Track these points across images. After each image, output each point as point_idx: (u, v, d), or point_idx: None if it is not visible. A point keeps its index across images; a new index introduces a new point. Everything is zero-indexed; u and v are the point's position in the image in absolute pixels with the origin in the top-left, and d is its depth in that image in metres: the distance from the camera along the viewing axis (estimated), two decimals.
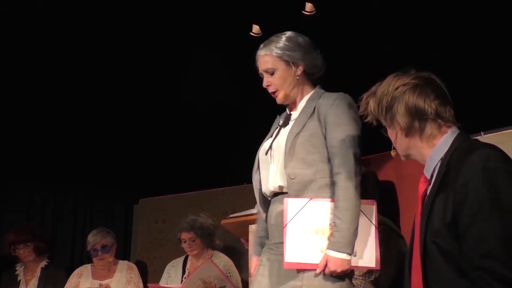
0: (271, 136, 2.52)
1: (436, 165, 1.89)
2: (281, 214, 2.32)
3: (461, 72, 3.55)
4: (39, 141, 4.89)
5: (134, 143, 5.16)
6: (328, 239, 2.24)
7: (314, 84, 2.53)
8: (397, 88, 1.92)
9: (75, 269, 4.25)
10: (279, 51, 2.44)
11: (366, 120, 2.01)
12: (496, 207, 1.66)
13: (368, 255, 2.32)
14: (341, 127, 2.31)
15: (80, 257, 4.94)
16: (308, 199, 2.28)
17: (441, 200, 1.78)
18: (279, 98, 2.45)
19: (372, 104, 1.95)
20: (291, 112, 2.50)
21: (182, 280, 3.85)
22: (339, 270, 2.19)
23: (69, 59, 4.56)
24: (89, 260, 4.25)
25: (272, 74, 2.44)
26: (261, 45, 2.51)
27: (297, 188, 2.30)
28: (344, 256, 2.19)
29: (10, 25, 4.17)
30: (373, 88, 1.99)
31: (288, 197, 2.31)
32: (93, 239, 4.07)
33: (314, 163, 2.31)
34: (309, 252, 2.24)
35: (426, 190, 1.92)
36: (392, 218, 3.20)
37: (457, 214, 1.71)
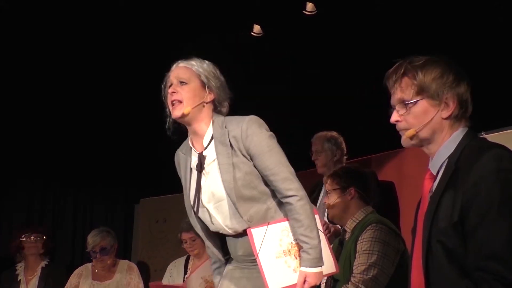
0: (189, 182, 2.43)
1: (444, 162, 1.87)
2: (242, 248, 2.37)
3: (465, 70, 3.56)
4: (39, 142, 4.91)
5: (135, 143, 5.16)
6: (295, 257, 2.32)
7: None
8: (455, 70, 1.90)
9: (75, 268, 4.23)
10: (200, 69, 2.39)
11: (390, 86, 1.92)
12: (507, 208, 1.65)
13: (329, 262, 2.43)
14: (267, 154, 2.29)
15: (81, 256, 4.95)
16: (266, 226, 2.31)
17: (448, 199, 1.76)
18: (179, 111, 2.32)
19: (422, 74, 1.86)
20: (201, 152, 2.39)
21: (183, 279, 3.85)
22: (318, 282, 2.29)
23: (70, 61, 4.57)
24: (90, 260, 4.23)
25: (183, 84, 2.35)
26: (181, 60, 2.44)
27: (258, 223, 2.32)
28: (319, 269, 2.28)
29: (12, 28, 4.17)
30: (415, 61, 1.89)
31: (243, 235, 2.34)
32: (93, 240, 4.04)
33: (260, 195, 2.33)
34: (284, 275, 2.31)
35: (431, 186, 1.89)
36: (392, 218, 3.20)
37: (465, 213, 1.69)
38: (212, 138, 2.37)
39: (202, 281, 3.56)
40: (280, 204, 2.34)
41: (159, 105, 5.01)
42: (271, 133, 2.35)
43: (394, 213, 3.33)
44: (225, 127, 2.35)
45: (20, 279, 4.16)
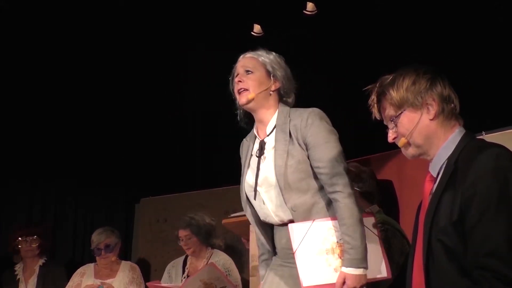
0: (248, 167, 2.48)
1: (443, 163, 1.89)
2: (287, 240, 2.34)
3: (463, 71, 3.56)
4: (41, 141, 4.93)
5: (136, 143, 5.19)
6: (339, 257, 2.27)
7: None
8: (426, 73, 1.92)
9: (76, 267, 4.26)
10: (266, 59, 2.45)
11: (370, 110, 2.00)
12: (505, 206, 1.66)
13: (378, 266, 2.37)
14: (322, 146, 2.30)
15: (82, 256, 4.95)
16: (311, 222, 2.29)
17: (448, 198, 1.78)
18: (245, 97, 2.39)
19: (393, 91, 1.92)
20: (263, 139, 2.45)
21: (181, 280, 3.85)
22: (358, 286, 2.22)
23: (71, 60, 4.58)
24: (91, 259, 4.25)
25: (249, 73, 2.41)
26: (248, 51, 2.50)
27: (302, 216, 2.31)
28: (361, 271, 2.22)
29: (12, 28, 4.17)
30: (385, 80, 1.96)
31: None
32: (97, 238, 4.09)
33: (309, 187, 2.32)
34: (323, 273, 2.27)
35: (432, 188, 1.91)
36: (392, 218, 3.20)
37: (464, 212, 1.71)
38: (275, 126, 2.41)
39: (201, 283, 3.55)
40: (329, 203, 2.31)
41: (160, 106, 5.03)
42: (332, 128, 2.36)
43: (393, 213, 3.33)
44: (289, 116, 2.38)
45: (19, 278, 4.18)
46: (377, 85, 1.98)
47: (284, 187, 2.30)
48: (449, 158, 1.87)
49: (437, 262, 1.77)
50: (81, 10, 4.15)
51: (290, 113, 2.40)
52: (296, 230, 2.28)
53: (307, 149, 2.32)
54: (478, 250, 1.66)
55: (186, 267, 3.95)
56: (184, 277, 3.86)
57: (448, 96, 1.91)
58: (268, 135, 2.42)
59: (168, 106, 4.98)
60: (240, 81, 2.40)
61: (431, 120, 1.90)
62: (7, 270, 4.22)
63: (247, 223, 3.26)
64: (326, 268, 2.27)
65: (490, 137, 3.03)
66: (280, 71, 2.44)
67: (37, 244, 4.21)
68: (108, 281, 4.02)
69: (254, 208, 2.46)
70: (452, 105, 1.91)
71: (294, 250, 2.27)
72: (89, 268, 4.16)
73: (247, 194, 2.46)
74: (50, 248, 4.38)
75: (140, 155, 5.18)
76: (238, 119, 2.54)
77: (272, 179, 2.34)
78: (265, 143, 2.42)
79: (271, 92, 2.42)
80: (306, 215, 2.30)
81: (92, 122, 5.03)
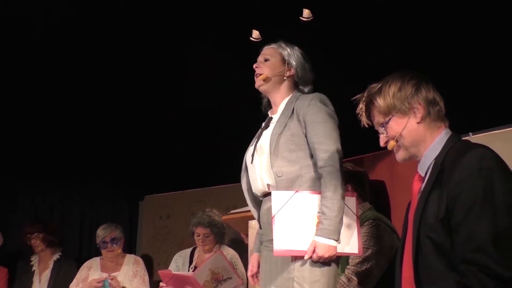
0: (255, 140, 2.57)
1: (430, 164, 1.89)
2: (271, 210, 2.34)
3: (449, 73, 3.54)
4: (47, 140, 4.92)
5: (139, 142, 5.18)
6: (316, 228, 2.27)
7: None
8: (411, 79, 1.94)
9: (82, 262, 4.28)
10: (282, 49, 2.58)
11: (359, 118, 2.02)
12: (489, 205, 1.66)
13: (351, 243, 2.36)
14: (319, 124, 2.35)
15: (88, 250, 4.96)
16: (293, 192, 2.31)
17: (435, 197, 1.79)
18: (259, 79, 2.52)
19: (381, 99, 1.94)
20: (272, 116, 2.56)
21: (188, 270, 3.87)
22: (326, 255, 2.22)
23: (76, 58, 4.51)
24: (97, 254, 4.27)
25: (266, 61, 2.55)
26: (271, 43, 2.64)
27: (285, 185, 2.32)
28: (331, 242, 2.22)
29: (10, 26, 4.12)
30: (373, 89, 1.98)
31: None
32: (103, 232, 4.13)
33: (299, 160, 2.35)
34: (297, 240, 2.26)
35: (420, 187, 1.92)
36: (384, 216, 3.21)
37: (451, 209, 1.71)
38: (283, 107, 2.50)
39: (209, 272, 3.58)
40: (314, 179, 2.33)
41: (163, 104, 5.00)
42: (333, 113, 2.42)
43: (385, 211, 3.32)
44: (297, 99, 2.47)
45: (34, 270, 4.21)
46: (364, 95, 2.00)
47: (273, 152, 2.35)
48: (436, 159, 1.87)
49: (426, 258, 1.77)
50: (84, 9, 4.13)
51: (300, 97, 2.49)
52: (278, 197, 2.29)
53: (305, 127, 2.37)
54: (464, 246, 1.67)
55: (194, 259, 3.97)
56: (192, 268, 3.88)
57: (433, 99, 1.92)
58: (277, 113, 2.52)
59: (169, 106, 4.98)
60: (257, 67, 2.54)
61: (418, 123, 1.91)
62: (23, 260, 4.24)
63: (246, 220, 3.29)
64: (301, 236, 2.26)
65: (476, 138, 3.01)
66: (295, 60, 2.55)
67: (40, 240, 4.25)
68: (113, 274, 4.03)
69: (248, 178, 2.54)
70: (438, 107, 1.92)
71: (273, 215, 2.27)
72: (95, 261, 4.18)
73: (246, 160, 2.54)
74: (59, 240, 4.38)
75: (144, 154, 5.18)
76: (262, 106, 2.67)
77: (266, 145, 2.40)
78: (271, 119, 2.53)
79: (285, 78, 2.53)
80: (289, 184, 2.32)
81: (98, 123, 5.02)
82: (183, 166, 5.09)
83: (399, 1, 3.78)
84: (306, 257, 2.23)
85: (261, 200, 2.49)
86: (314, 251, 2.22)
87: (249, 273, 2.61)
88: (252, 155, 2.48)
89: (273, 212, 2.28)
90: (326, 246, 2.21)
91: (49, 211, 5.00)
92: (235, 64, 4.25)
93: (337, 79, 4.05)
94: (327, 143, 2.32)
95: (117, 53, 4.56)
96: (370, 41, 4.03)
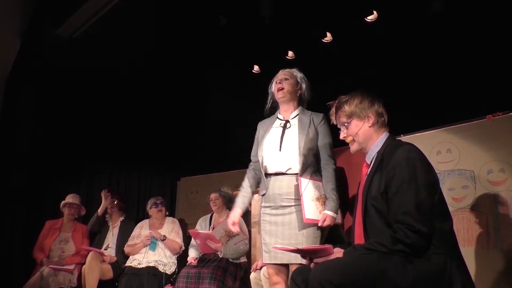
0: (268, 135, 2.51)
1: (374, 155, 1.90)
2: (285, 187, 2.38)
3: (385, 86, 3.43)
4: (120, 138, 4.84)
5: (178, 142, 5.15)
6: (321, 204, 2.34)
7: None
8: (369, 96, 1.94)
9: (137, 222, 4.26)
10: (297, 74, 2.57)
11: (330, 117, 2.03)
12: (413, 182, 1.68)
13: (338, 217, 2.46)
14: (327, 137, 2.45)
15: (142, 216, 4.92)
16: (308, 180, 2.37)
17: (377, 177, 1.82)
18: (283, 92, 2.50)
19: (347, 107, 1.94)
20: (287, 119, 2.51)
21: (209, 229, 3.86)
22: (331, 223, 2.32)
23: (126, 79, 4.44)
24: (147, 217, 4.26)
25: (286, 80, 2.53)
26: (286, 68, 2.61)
27: (302, 171, 2.37)
28: (335, 215, 2.34)
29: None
30: (342, 99, 1.98)
31: (292, 175, 2.39)
32: (154, 199, 4.14)
33: (311, 157, 2.41)
34: (314, 212, 2.33)
35: (367, 171, 1.93)
36: (344, 194, 3.18)
37: (387, 186, 1.74)
38: (297, 114, 2.50)
39: (223, 231, 3.57)
40: (316, 172, 2.41)
41: (189, 106, 4.84)
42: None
43: (345, 190, 3.32)
44: (311, 114, 2.50)
45: (109, 225, 4.19)
46: (336, 102, 2.00)
47: (302, 148, 2.38)
48: (378, 152, 1.89)
49: (371, 219, 1.81)
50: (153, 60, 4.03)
51: (311, 114, 2.51)
52: (303, 181, 2.35)
53: (318, 137, 2.43)
54: (396, 211, 1.71)
55: (212, 221, 3.94)
56: (211, 228, 3.87)
57: (381, 112, 1.94)
58: (291, 118, 2.51)
59: (196, 111, 4.91)
60: (280, 83, 2.51)
61: (369, 127, 1.92)
62: (101, 217, 4.13)
63: None
64: (315, 210, 2.33)
65: (405, 138, 3.04)
66: (304, 83, 2.56)
67: (116, 203, 4.19)
68: (158, 230, 4.02)
69: (260, 162, 2.47)
70: (383, 118, 1.94)
71: (301, 193, 2.31)
72: (145, 222, 4.13)
73: (265, 144, 2.46)
74: (125, 209, 4.35)
75: (180, 151, 5.16)
76: (265, 109, 2.62)
77: (295, 140, 2.40)
78: (289, 121, 2.50)
79: (297, 95, 2.54)
80: (303, 171, 2.36)
81: (156, 129, 4.99)
82: (207, 156, 5.08)
83: None
84: (319, 224, 2.30)
85: (270, 177, 2.45)
86: (325, 220, 2.30)
87: (230, 222, 2.50)
88: (280, 144, 2.43)
89: (301, 191, 2.32)
90: (332, 217, 2.32)
91: (116, 188, 4.97)
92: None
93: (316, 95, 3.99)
94: (330, 149, 2.44)
95: (170, 80, 4.50)
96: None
